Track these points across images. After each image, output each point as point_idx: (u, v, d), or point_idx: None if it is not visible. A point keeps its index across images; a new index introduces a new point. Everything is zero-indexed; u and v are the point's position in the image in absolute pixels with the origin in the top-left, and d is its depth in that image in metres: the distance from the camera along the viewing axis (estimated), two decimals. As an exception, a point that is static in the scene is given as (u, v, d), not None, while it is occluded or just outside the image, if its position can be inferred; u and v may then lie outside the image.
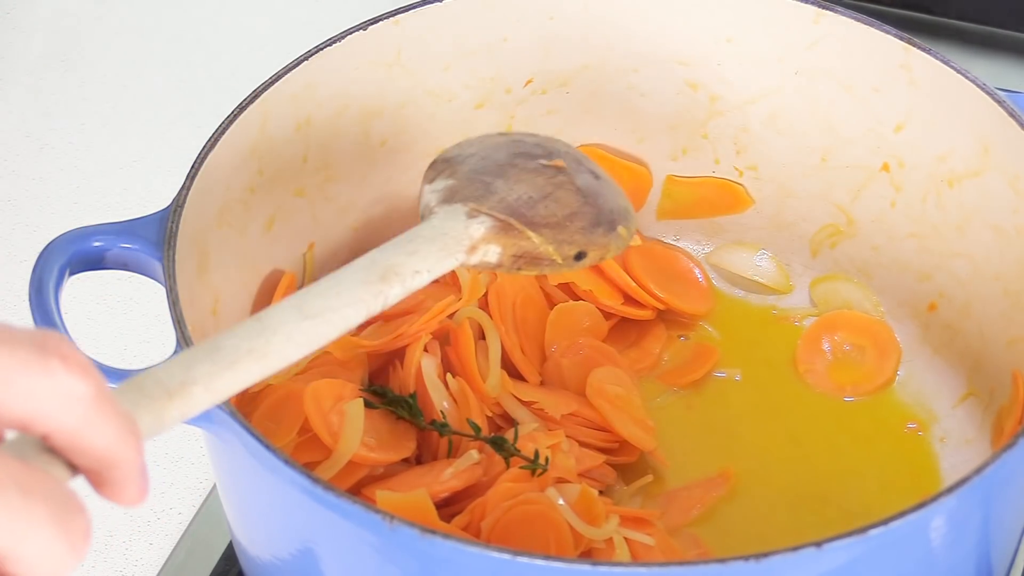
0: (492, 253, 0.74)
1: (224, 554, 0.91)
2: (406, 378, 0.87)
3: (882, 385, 0.95)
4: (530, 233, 0.75)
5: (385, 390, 0.86)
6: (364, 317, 0.67)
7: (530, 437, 0.85)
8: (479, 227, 0.74)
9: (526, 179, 0.77)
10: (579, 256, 0.77)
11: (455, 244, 0.73)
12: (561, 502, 0.81)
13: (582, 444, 0.88)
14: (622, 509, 0.84)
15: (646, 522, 0.84)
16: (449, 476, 0.82)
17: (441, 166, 0.78)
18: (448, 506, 0.82)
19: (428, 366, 0.87)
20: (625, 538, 0.81)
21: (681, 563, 0.75)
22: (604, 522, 0.81)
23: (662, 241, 1.02)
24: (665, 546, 0.83)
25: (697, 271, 1.00)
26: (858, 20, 0.90)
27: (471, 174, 0.77)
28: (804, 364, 0.96)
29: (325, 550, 0.72)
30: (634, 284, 0.96)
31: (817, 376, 0.96)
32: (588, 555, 0.81)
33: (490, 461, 0.84)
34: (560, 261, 0.76)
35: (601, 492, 0.87)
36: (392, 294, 0.69)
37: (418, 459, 0.86)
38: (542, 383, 0.92)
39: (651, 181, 1.00)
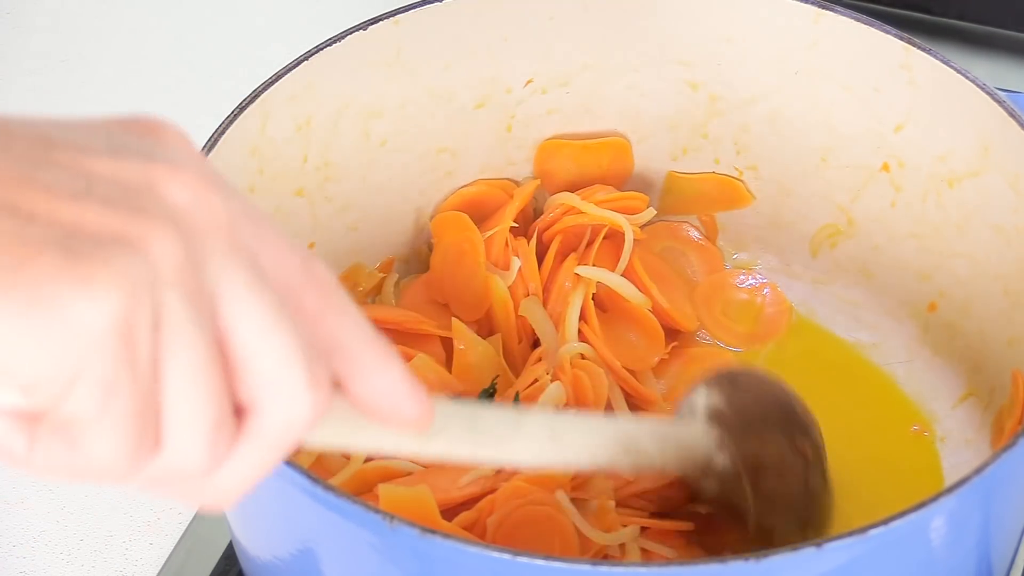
0: (713, 487, 0.78)
1: (224, 554, 0.91)
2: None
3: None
4: (748, 491, 0.78)
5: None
6: (597, 467, 0.72)
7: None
8: (721, 460, 0.78)
9: (772, 446, 0.80)
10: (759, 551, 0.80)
11: (691, 459, 0.78)
12: (569, 505, 0.80)
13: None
14: (650, 521, 0.83)
15: (674, 534, 0.83)
16: (466, 483, 0.82)
17: (722, 385, 0.82)
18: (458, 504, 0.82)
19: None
20: (645, 548, 0.81)
21: (681, 563, 0.75)
22: (617, 529, 0.81)
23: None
24: (689, 557, 0.82)
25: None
26: (858, 20, 0.90)
27: (740, 410, 0.80)
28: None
29: (325, 550, 0.72)
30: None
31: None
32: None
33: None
34: (746, 538, 0.79)
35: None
36: (622, 463, 0.73)
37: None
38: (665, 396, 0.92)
39: (630, 149, 0.98)
